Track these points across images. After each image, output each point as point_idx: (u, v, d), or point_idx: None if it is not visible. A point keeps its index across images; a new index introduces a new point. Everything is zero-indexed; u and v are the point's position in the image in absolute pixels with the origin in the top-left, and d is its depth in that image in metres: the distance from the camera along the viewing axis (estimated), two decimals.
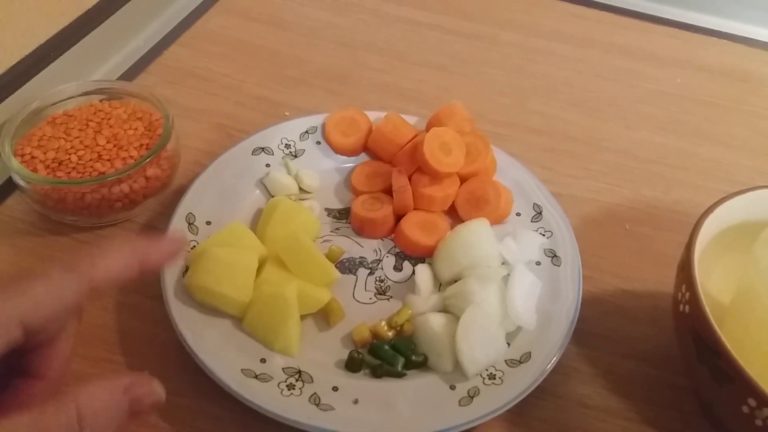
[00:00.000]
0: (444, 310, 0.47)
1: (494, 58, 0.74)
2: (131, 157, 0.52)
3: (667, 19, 0.83)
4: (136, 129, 0.55)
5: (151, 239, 0.35)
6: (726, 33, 0.81)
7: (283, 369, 0.42)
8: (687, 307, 0.40)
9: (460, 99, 0.59)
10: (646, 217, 0.58)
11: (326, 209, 0.55)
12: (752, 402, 0.35)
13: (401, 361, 0.43)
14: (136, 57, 0.68)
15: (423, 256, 0.52)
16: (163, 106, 0.54)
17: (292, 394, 0.40)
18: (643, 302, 0.51)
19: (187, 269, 0.46)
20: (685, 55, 0.77)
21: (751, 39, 0.81)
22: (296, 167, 0.56)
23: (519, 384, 0.42)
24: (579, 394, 0.45)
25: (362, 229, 0.53)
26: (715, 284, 0.46)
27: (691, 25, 0.82)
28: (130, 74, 0.67)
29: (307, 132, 0.58)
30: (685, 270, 0.40)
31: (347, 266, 0.50)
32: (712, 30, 0.82)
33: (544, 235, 0.52)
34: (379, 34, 0.75)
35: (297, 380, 0.41)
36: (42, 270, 0.30)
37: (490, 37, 0.77)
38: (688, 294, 0.39)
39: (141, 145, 0.54)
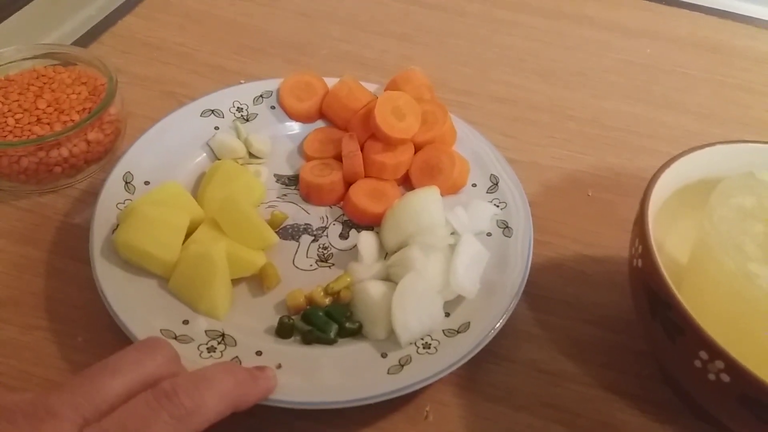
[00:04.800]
0: (387, 278, 0.45)
1: (459, 29, 0.72)
2: (72, 120, 0.50)
3: None
4: (79, 93, 0.53)
5: (253, 377, 0.35)
6: (698, 5, 0.80)
7: (205, 331, 0.40)
8: (640, 261, 0.38)
9: (422, 67, 0.57)
10: (610, 184, 0.57)
11: (275, 175, 0.53)
12: (704, 355, 0.33)
13: (334, 328, 0.41)
14: (88, 26, 0.66)
15: (371, 224, 0.49)
16: (108, 70, 0.52)
17: (211, 356, 0.38)
18: (604, 267, 0.50)
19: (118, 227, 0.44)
20: (655, 27, 0.76)
21: (723, 11, 0.80)
22: (247, 131, 0.54)
23: (453, 354, 0.39)
24: (533, 359, 0.44)
25: (309, 195, 0.51)
26: (675, 244, 0.44)
27: None
28: (80, 44, 0.64)
29: (261, 96, 0.56)
30: (638, 223, 0.39)
31: (290, 232, 0.48)
32: (684, 2, 0.80)
33: (498, 206, 0.49)
34: (341, 4, 0.73)
35: (219, 343, 0.39)
36: (151, 423, 0.29)
37: (455, 8, 0.75)
38: (641, 248, 0.38)
39: (84, 109, 0.51)
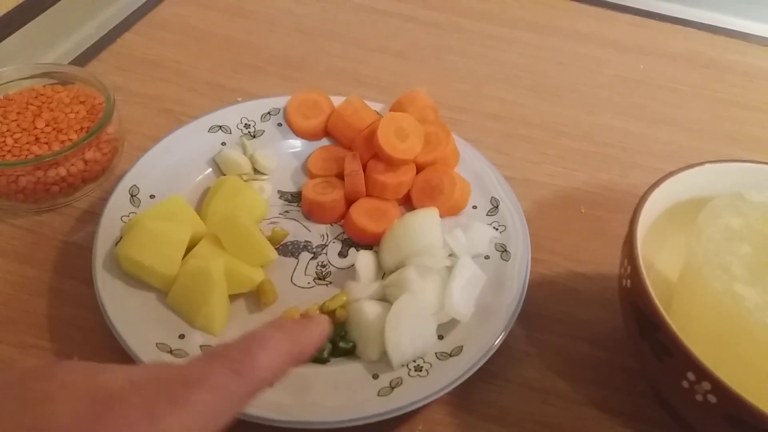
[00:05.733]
0: (383, 298, 0.45)
1: (454, 46, 0.73)
2: (70, 140, 0.51)
3: (632, 7, 0.82)
4: (77, 113, 0.53)
5: (303, 325, 0.32)
6: (691, 21, 0.81)
7: (200, 346, 0.40)
8: (629, 281, 0.38)
9: (418, 85, 0.58)
10: (602, 201, 0.57)
11: (279, 192, 0.53)
12: (691, 376, 0.34)
13: (327, 347, 0.41)
14: (87, 44, 0.67)
15: (370, 243, 0.50)
16: (105, 89, 0.53)
17: None
18: (596, 284, 0.50)
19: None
20: (648, 43, 0.77)
21: (715, 26, 0.80)
22: (253, 148, 0.54)
23: (444, 378, 0.39)
24: (526, 377, 0.44)
25: (311, 212, 0.51)
26: (666, 261, 0.45)
27: (656, 13, 0.82)
28: (79, 61, 0.65)
29: (269, 113, 0.57)
30: (627, 244, 0.39)
31: (290, 249, 0.49)
32: (677, 18, 0.81)
33: (497, 229, 0.50)
34: (338, 21, 0.74)
35: None
36: (207, 373, 0.27)
37: (450, 25, 0.76)
38: (629, 268, 0.38)
39: (82, 128, 0.52)
